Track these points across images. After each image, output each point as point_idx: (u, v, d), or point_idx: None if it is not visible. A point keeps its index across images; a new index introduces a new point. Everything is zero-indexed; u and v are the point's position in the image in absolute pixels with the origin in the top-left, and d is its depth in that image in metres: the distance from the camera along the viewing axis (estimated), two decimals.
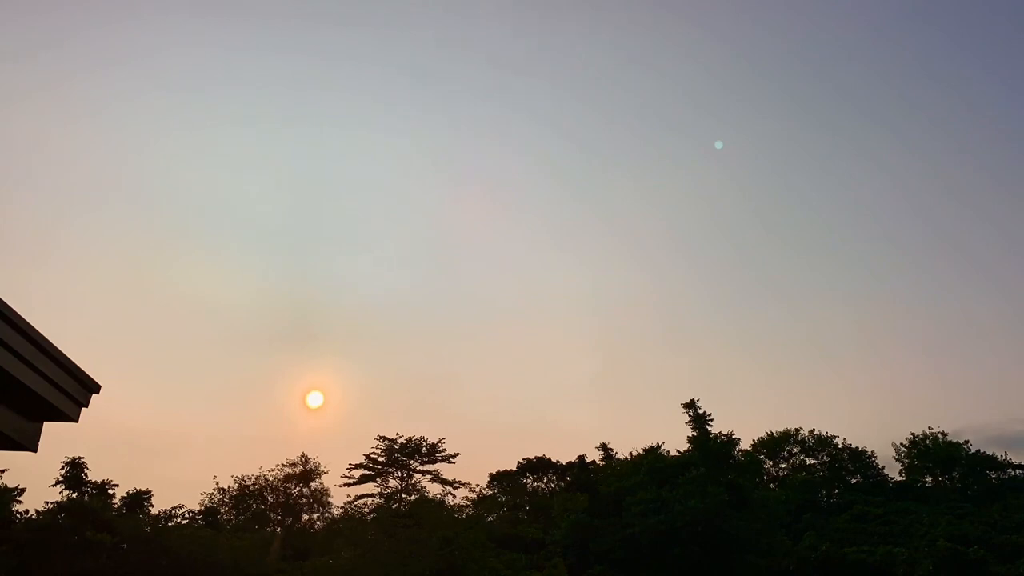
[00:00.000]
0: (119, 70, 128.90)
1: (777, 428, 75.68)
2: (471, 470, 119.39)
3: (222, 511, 67.57)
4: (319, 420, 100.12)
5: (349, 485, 71.46)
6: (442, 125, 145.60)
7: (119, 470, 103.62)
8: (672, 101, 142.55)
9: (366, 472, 71.43)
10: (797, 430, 75.21)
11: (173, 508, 60.61)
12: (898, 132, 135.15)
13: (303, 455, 71.15)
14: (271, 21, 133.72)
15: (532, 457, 79.62)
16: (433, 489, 71.06)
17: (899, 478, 70.41)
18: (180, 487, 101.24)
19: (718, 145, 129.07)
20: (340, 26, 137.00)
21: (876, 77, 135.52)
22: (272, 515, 70.08)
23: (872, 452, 71.85)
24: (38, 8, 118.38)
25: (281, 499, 70.21)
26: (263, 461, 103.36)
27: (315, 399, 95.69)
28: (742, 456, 56.76)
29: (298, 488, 70.63)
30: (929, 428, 70.40)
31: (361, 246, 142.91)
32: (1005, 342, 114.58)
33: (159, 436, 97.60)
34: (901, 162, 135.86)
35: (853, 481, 70.88)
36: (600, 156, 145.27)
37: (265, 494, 70.23)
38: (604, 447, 56.78)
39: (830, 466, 72.18)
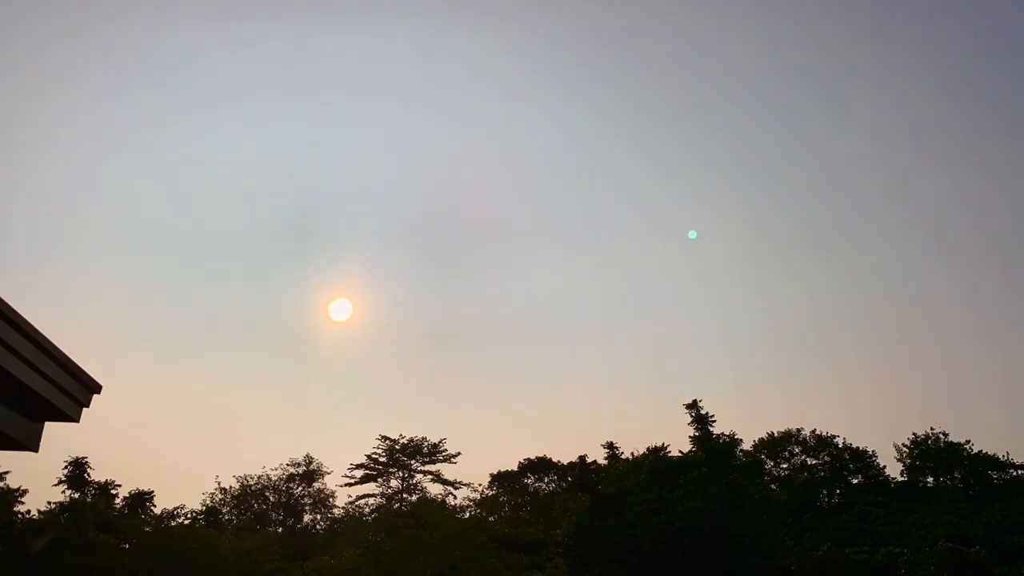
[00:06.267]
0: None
1: (778, 428, 75.78)
2: (472, 470, 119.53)
3: (224, 511, 67.59)
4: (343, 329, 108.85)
5: (350, 485, 71.56)
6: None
7: (122, 468, 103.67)
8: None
9: (367, 472, 71.47)
10: (798, 430, 75.17)
11: (175, 508, 60.73)
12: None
13: (306, 455, 71.28)
14: None
15: (533, 457, 79.67)
16: (434, 489, 71.14)
17: (900, 478, 70.30)
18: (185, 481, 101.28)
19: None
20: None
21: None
22: (274, 515, 70.11)
23: (873, 452, 71.85)
24: (42, 7, 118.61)
25: (283, 499, 70.22)
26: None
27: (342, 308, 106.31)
28: (744, 456, 56.71)
29: (300, 488, 70.67)
30: (931, 428, 70.37)
31: (361, 247, 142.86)
32: (1008, 341, 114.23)
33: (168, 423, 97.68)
34: (894, 132, 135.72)
35: (854, 481, 70.78)
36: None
37: (267, 494, 70.26)
38: (610, 445, 56.72)
39: (831, 466, 72.10)
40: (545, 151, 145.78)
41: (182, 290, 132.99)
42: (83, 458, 56.05)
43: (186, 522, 58.34)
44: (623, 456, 56.13)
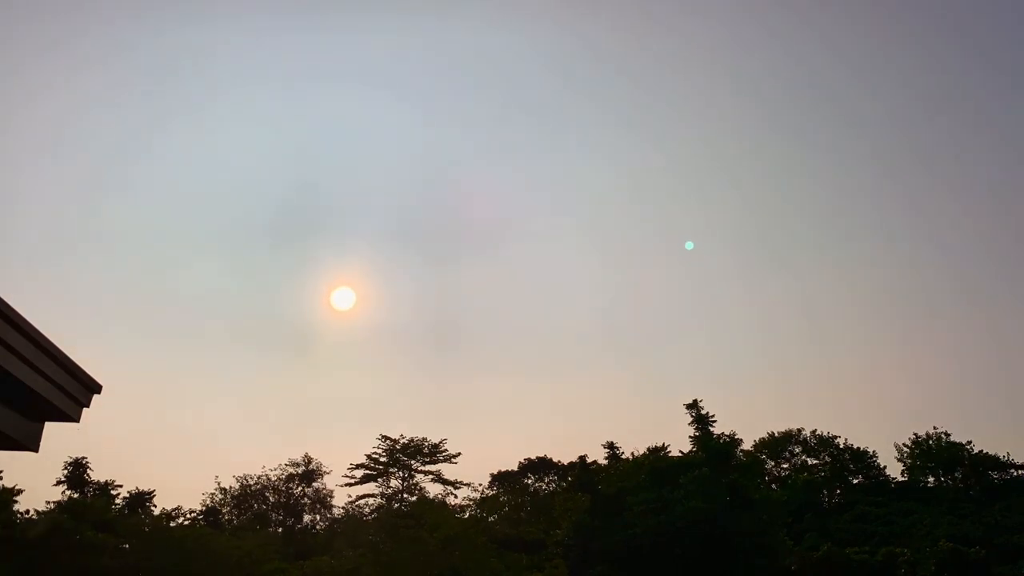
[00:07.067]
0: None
1: (779, 428, 75.82)
2: (473, 470, 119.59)
3: (224, 511, 67.64)
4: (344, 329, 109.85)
5: (350, 485, 71.61)
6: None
7: (122, 469, 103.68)
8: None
9: (368, 472, 71.50)
10: (799, 430, 75.20)
11: (175, 508, 60.74)
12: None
13: (306, 455, 71.33)
14: None
15: (533, 457, 79.74)
16: (434, 489, 71.18)
17: (901, 478, 70.32)
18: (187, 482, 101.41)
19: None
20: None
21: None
22: (274, 515, 70.15)
23: (874, 452, 71.85)
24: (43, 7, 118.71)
25: (283, 499, 70.27)
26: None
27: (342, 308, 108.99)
28: (744, 456, 56.69)
29: (300, 488, 70.71)
30: (934, 428, 70.41)
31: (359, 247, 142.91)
32: (1008, 341, 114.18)
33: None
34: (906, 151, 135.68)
35: (855, 481, 70.77)
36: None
37: (267, 494, 70.31)
38: (610, 445, 56.70)
39: (832, 466, 72.10)
40: (548, 150, 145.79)
41: (182, 289, 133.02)
42: (83, 458, 56.12)
43: (186, 522, 58.35)
44: (623, 456, 56.09)
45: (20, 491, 49.75)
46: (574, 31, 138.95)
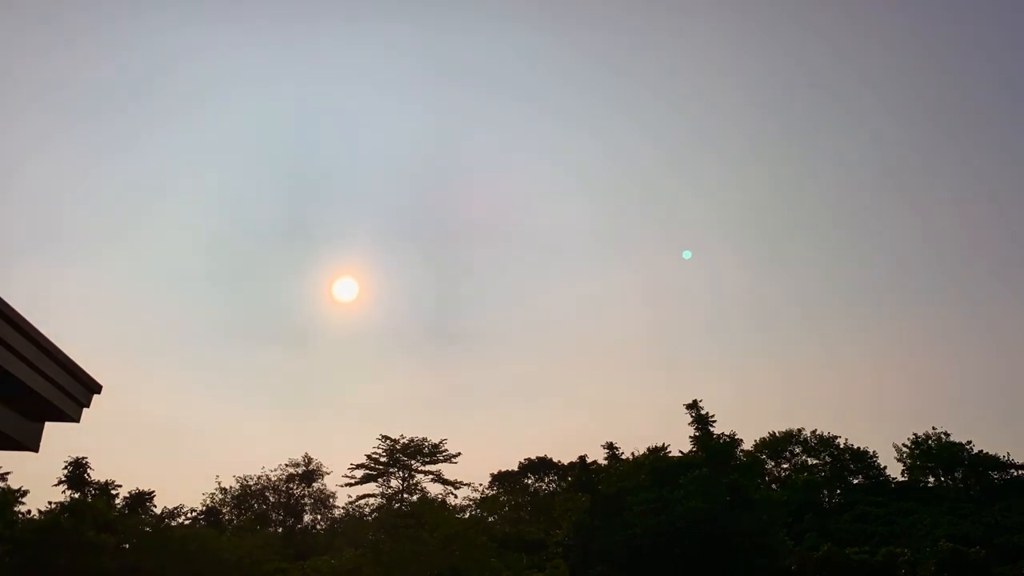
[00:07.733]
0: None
1: (779, 428, 75.83)
2: (473, 470, 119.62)
3: (224, 511, 67.61)
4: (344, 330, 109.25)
5: (351, 485, 71.67)
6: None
7: (122, 469, 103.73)
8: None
9: (368, 472, 71.54)
10: (799, 430, 75.18)
11: (175, 508, 60.77)
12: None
13: (306, 455, 71.33)
14: None
15: (534, 457, 79.74)
16: (435, 489, 71.21)
17: (901, 478, 70.33)
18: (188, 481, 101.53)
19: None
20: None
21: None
22: (274, 515, 70.14)
23: (874, 452, 71.86)
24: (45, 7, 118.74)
25: (283, 499, 70.27)
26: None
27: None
28: (744, 456, 56.64)
29: (300, 488, 70.71)
30: (933, 428, 70.41)
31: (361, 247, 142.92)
32: (1008, 341, 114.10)
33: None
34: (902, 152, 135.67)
35: (855, 481, 70.76)
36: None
37: (267, 494, 70.31)
38: (610, 445, 56.69)
39: (832, 466, 72.10)
40: (550, 147, 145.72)
41: (182, 288, 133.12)
42: (83, 458, 56.08)
43: (186, 522, 58.34)
44: (623, 456, 56.08)
45: (25, 492, 49.82)
46: (576, 32, 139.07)
